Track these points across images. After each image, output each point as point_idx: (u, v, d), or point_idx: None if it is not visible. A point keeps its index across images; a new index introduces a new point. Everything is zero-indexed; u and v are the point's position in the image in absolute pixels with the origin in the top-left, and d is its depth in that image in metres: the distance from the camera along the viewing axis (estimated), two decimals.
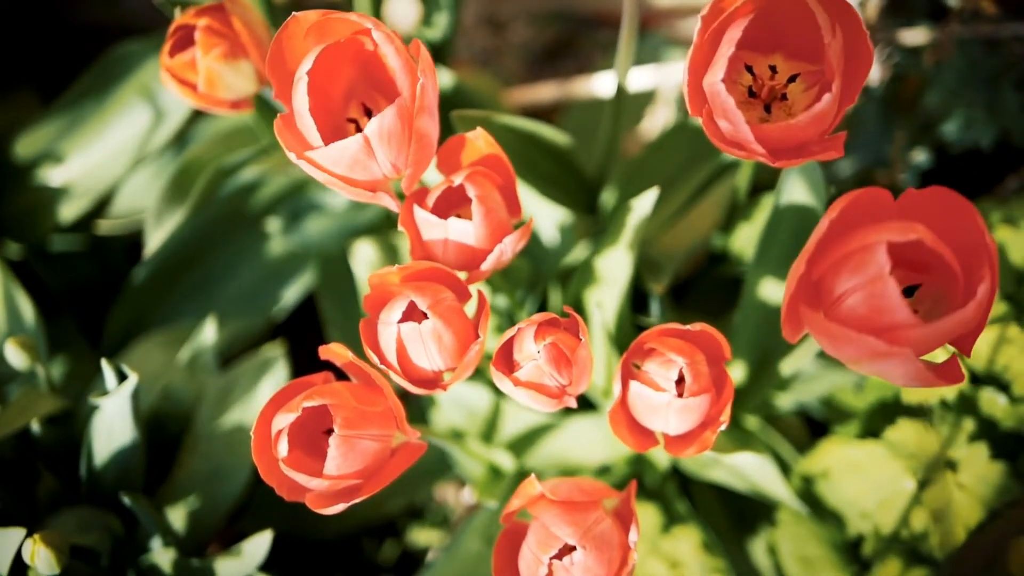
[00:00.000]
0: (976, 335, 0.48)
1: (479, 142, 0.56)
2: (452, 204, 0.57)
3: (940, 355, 0.50)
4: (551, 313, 0.54)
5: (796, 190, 0.62)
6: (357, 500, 0.52)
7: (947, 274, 0.48)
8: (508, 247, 0.55)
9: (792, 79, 0.54)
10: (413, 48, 0.52)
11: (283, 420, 0.51)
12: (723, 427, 0.53)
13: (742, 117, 0.48)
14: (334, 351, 0.53)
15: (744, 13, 0.50)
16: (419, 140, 0.51)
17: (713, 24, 0.50)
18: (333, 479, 0.51)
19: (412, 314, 0.53)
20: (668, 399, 0.53)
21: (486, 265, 0.55)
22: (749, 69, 0.54)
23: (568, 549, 0.53)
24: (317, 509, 0.52)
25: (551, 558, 0.53)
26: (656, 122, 0.98)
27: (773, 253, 0.65)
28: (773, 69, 0.54)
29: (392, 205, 0.53)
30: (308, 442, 0.53)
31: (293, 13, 0.52)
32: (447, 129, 0.65)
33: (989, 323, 0.69)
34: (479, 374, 0.76)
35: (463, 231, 0.54)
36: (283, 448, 0.51)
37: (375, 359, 0.53)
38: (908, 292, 0.51)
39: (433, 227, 0.55)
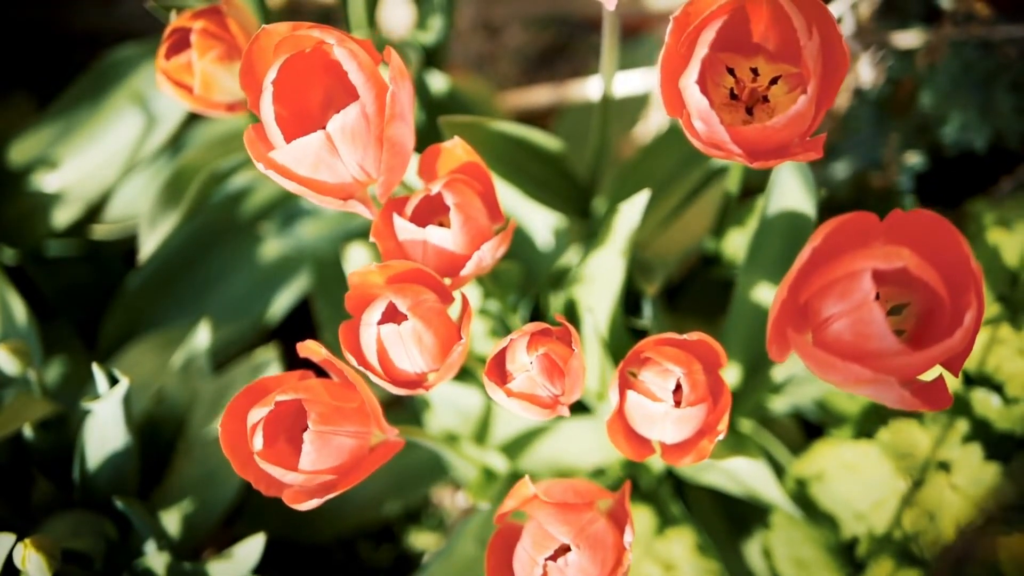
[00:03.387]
0: (964, 358, 0.48)
1: (457, 150, 0.56)
2: (432, 213, 0.57)
3: (932, 372, 0.50)
4: (543, 323, 0.54)
5: (787, 193, 0.62)
6: (332, 495, 0.52)
7: (934, 296, 0.48)
8: (487, 253, 0.55)
9: (774, 81, 0.54)
10: (387, 55, 0.52)
11: (258, 414, 0.51)
12: (720, 436, 0.53)
13: (716, 118, 0.48)
14: (311, 348, 0.54)
15: (719, 15, 0.50)
16: (391, 148, 0.51)
17: (687, 26, 0.50)
18: (308, 474, 0.52)
19: (393, 315, 0.53)
20: (666, 409, 0.53)
21: (465, 271, 0.55)
22: (731, 72, 0.54)
23: (563, 549, 0.53)
24: (293, 505, 0.52)
25: (546, 559, 0.53)
26: (651, 125, 0.98)
27: (763, 256, 0.65)
28: (755, 71, 0.54)
29: (366, 212, 0.53)
30: (293, 438, 0.53)
31: (263, 26, 0.52)
32: (439, 134, 0.66)
33: (982, 324, 0.69)
34: (471, 376, 0.76)
35: (442, 239, 0.54)
36: (258, 442, 0.51)
37: (354, 361, 0.53)
38: (898, 309, 0.51)
39: (412, 235, 0.55)
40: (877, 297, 0.48)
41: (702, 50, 0.49)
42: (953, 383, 0.69)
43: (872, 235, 0.49)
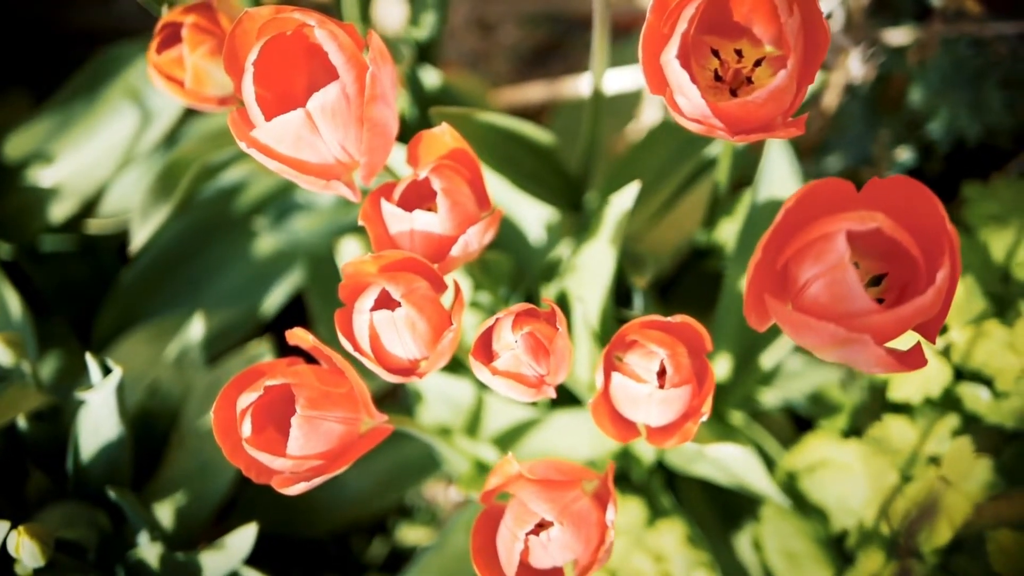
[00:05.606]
0: (940, 322, 0.49)
1: (445, 137, 0.56)
2: (419, 198, 0.57)
3: (907, 344, 0.50)
4: (529, 304, 0.54)
5: (775, 182, 0.62)
6: (320, 479, 0.52)
7: (910, 262, 0.49)
8: (473, 237, 0.55)
9: (758, 63, 0.54)
10: (369, 39, 0.52)
11: (246, 400, 0.52)
12: (704, 418, 0.53)
13: (697, 91, 0.49)
14: (299, 335, 0.54)
15: None
16: (373, 128, 0.51)
17: (669, 4, 0.50)
18: (296, 459, 0.52)
19: (386, 303, 0.53)
20: (649, 390, 0.53)
21: (453, 253, 0.55)
22: (716, 54, 0.54)
23: (546, 526, 0.53)
24: (281, 489, 0.52)
25: (527, 534, 0.53)
26: (644, 123, 0.99)
27: (752, 246, 0.65)
28: (739, 53, 0.54)
29: (348, 194, 0.53)
30: (282, 425, 0.53)
31: (246, 10, 0.52)
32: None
33: (972, 320, 0.70)
34: (463, 369, 0.76)
35: (429, 223, 0.55)
36: (247, 428, 0.52)
37: (349, 347, 0.53)
38: (876, 281, 0.52)
39: (399, 220, 0.55)
40: (857, 266, 0.49)
41: (682, 26, 0.50)
42: (944, 379, 0.70)
43: (849, 201, 0.49)
